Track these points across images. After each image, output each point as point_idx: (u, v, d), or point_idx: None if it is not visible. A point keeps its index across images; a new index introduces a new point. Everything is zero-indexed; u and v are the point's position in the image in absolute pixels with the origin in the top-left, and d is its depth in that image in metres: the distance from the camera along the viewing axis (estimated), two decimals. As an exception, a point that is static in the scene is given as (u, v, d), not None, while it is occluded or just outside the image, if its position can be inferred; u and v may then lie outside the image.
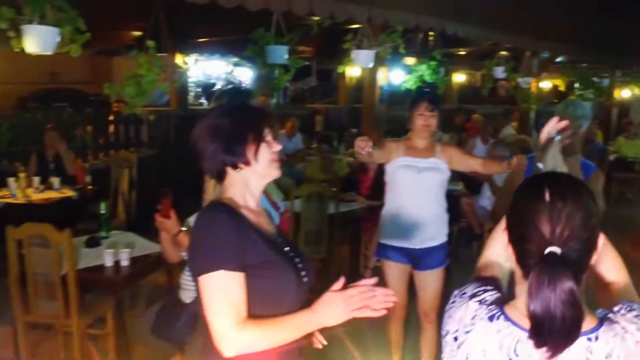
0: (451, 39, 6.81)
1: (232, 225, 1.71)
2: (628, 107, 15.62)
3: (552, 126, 1.95)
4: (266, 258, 1.78)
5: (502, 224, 1.54)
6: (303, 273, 1.90)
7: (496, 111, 15.03)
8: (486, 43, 7.52)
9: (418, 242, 3.77)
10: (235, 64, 16.12)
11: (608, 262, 1.53)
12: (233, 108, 1.92)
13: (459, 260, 6.79)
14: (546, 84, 10.70)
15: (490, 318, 1.34)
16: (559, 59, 10.44)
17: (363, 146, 3.21)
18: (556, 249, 1.22)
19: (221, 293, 1.66)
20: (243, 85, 19.98)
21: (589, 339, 1.23)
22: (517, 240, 1.31)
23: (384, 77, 6.69)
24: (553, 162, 1.77)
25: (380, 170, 4.12)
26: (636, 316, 1.29)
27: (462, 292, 1.47)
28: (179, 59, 8.59)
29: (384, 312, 1.72)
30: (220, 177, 1.88)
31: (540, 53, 9.16)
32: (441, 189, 3.78)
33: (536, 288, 1.19)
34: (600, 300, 1.39)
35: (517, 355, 1.27)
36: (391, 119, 8.54)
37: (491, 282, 1.49)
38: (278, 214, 2.78)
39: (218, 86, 20.57)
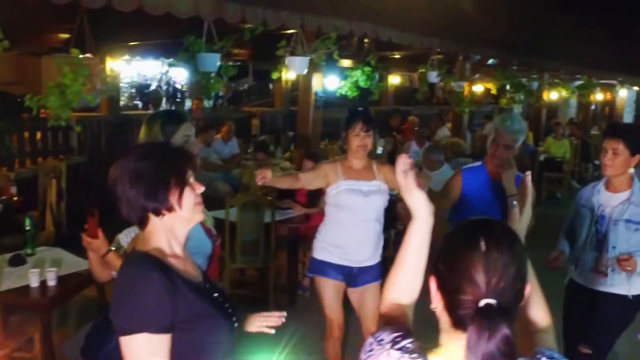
0: (386, 43, 6.85)
1: (159, 284, 1.61)
2: (556, 108, 16.19)
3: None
4: (198, 311, 1.71)
5: (396, 269, 1.56)
6: (234, 318, 1.86)
7: (432, 112, 15.28)
8: (420, 48, 7.60)
9: (356, 262, 3.77)
10: (171, 65, 15.82)
11: (533, 309, 1.54)
12: (154, 150, 1.85)
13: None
14: (479, 88, 10.92)
15: None
16: (490, 62, 10.67)
17: (262, 176, 3.44)
18: (492, 301, 1.20)
19: (142, 355, 1.59)
20: (178, 86, 19.64)
21: None
22: (450, 289, 1.27)
23: (319, 83, 6.66)
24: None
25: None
26: None
27: (379, 338, 1.42)
28: (109, 63, 8.36)
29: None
30: (142, 223, 1.78)
31: (472, 57, 9.34)
32: (380, 208, 3.79)
33: (476, 341, 1.17)
34: (521, 346, 1.39)
35: None
36: (327, 121, 8.55)
37: (404, 328, 1.45)
38: (211, 242, 2.69)
39: (153, 87, 20.16)
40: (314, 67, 6.17)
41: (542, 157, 11.91)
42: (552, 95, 13.84)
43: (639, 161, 3.33)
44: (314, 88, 6.61)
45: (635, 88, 18.61)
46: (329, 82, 7.31)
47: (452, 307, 1.27)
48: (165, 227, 1.76)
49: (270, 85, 20.46)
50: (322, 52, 5.83)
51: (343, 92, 6.69)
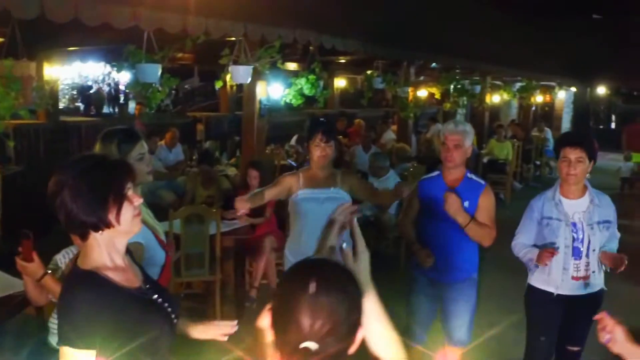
0: (331, 49, 6.86)
1: (96, 306, 1.72)
2: (498, 111, 16.56)
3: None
4: (139, 318, 1.81)
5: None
6: (173, 316, 1.97)
7: (377, 115, 15.42)
8: (364, 54, 7.65)
9: None
10: (113, 66, 15.43)
11: (381, 347, 1.51)
12: (93, 165, 1.83)
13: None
14: (423, 93, 11.07)
15: None
16: (433, 65, 10.83)
17: (240, 208, 3.59)
18: (312, 345, 1.20)
19: None
20: (122, 88, 19.20)
21: None
22: (278, 328, 1.28)
23: (263, 92, 6.61)
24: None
25: (261, 187, 4.12)
26: None
27: None
28: (47, 68, 8.10)
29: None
30: (82, 237, 1.83)
31: (417, 61, 9.45)
32: None
33: None
34: None
35: None
36: (273, 126, 8.51)
37: None
38: (164, 253, 2.66)
39: (95, 89, 19.67)
40: (258, 75, 6.11)
41: (485, 159, 12.14)
42: (495, 98, 14.13)
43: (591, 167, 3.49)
44: (259, 96, 6.55)
45: (573, 89, 19.22)
46: (273, 91, 7.27)
47: (278, 344, 1.28)
48: (105, 241, 1.81)
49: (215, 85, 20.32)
50: (266, 61, 5.78)
51: (287, 100, 6.66)
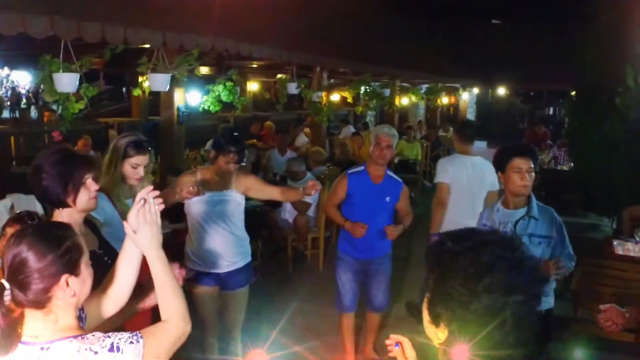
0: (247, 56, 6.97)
1: None
2: (407, 112, 17.13)
3: None
4: (94, 272, 1.93)
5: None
6: None
7: (291, 117, 15.57)
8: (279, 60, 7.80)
9: (222, 267, 3.97)
10: (12, 68, 14.71)
11: None
12: (62, 159, 2.36)
13: (265, 272, 7.01)
14: (336, 97, 11.34)
15: None
16: (344, 70, 11.11)
17: (193, 191, 3.62)
18: (5, 283, 1.68)
19: None
20: (22, 91, 18.38)
21: (42, 348, 1.63)
22: None
23: (181, 99, 6.64)
24: None
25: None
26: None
27: None
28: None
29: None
30: (52, 209, 2.41)
31: (328, 68, 9.68)
32: (235, 216, 3.97)
33: None
34: None
35: None
36: (189, 130, 8.47)
37: None
38: None
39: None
40: (176, 82, 6.14)
41: (396, 160, 12.55)
42: (403, 101, 14.62)
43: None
44: (177, 103, 6.57)
45: (475, 90, 20.14)
46: (191, 97, 7.29)
47: None
48: (67, 214, 2.37)
49: (124, 89, 19.76)
50: (184, 69, 5.83)
51: (206, 107, 6.71)
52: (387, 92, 11.71)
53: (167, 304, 1.85)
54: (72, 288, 1.69)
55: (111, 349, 1.62)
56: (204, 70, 10.18)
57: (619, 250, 5.39)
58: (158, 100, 7.54)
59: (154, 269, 1.87)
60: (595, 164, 8.02)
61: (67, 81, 4.83)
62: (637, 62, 6.68)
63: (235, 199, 3.93)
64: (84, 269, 1.76)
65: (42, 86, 5.06)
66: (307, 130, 12.46)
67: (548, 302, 3.42)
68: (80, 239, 1.80)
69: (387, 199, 4.41)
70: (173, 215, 6.00)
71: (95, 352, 1.61)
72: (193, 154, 9.70)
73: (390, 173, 4.51)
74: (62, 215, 2.37)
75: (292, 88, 8.24)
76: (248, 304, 4.20)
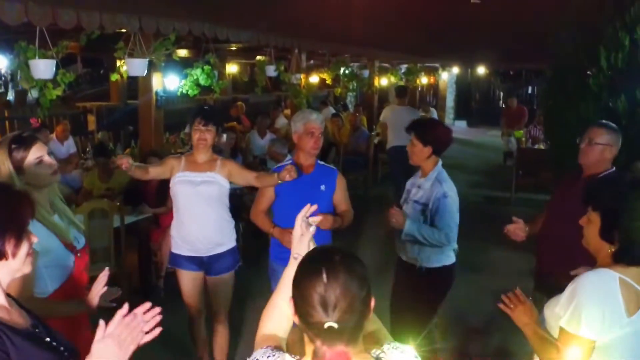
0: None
1: None
2: (386, 93, 17.14)
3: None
4: (37, 355, 1.73)
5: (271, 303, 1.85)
6: (66, 354, 1.85)
7: (270, 99, 15.56)
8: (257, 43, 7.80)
9: (205, 251, 3.99)
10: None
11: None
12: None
13: (247, 256, 7.06)
14: (314, 79, 11.35)
15: None
16: (323, 51, 11.12)
17: (122, 163, 3.64)
18: (333, 324, 1.43)
19: None
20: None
21: None
22: (302, 314, 1.50)
23: (159, 83, 6.63)
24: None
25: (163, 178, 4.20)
26: (401, 352, 1.61)
27: (254, 357, 1.66)
28: None
29: (158, 330, 1.79)
30: None
31: (306, 50, 9.69)
32: (220, 200, 3.99)
33: (316, 355, 1.46)
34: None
35: None
36: (168, 114, 8.46)
37: (277, 346, 1.73)
38: (72, 255, 2.66)
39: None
40: (153, 67, 6.15)
41: (376, 141, 12.62)
42: (383, 82, 14.65)
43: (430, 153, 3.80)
44: (155, 88, 6.57)
45: (455, 70, 20.20)
46: (169, 82, 7.28)
47: (305, 328, 1.51)
48: None
49: (102, 71, 19.53)
50: (161, 53, 5.83)
51: (184, 91, 6.72)
52: (366, 73, 11.76)
53: None
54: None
55: None
56: (182, 53, 10.13)
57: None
58: (137, 84, 7.54)
59: None
60: (569, 142, 8.11)
61: (43, 68, 4.84)
62: (610, 43, 6.75)
63: (220, 182, 3.94)
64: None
65: (18, 72, 5.04)
66: (287, 112, 12.47)
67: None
68: None
69: (322, 187, 3.97)
70: (158, 198, 6.04)
71: None
72: (173, 138, 9.70)
73: (321, 162, 4.11)
74: None
75: (271, 71, 8.25)
76: (234, 286, 4.20)
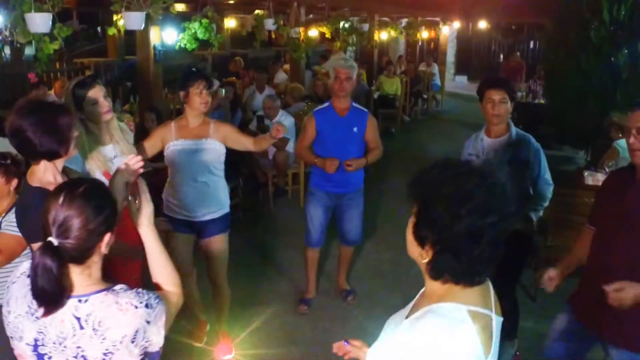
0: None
1: None
2: (387, 48, 17.01)
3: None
4: None
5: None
6: None
7: (269, 54, 15.42)
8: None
9: (199, 215, 3.97)
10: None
11: (155, 275, 2.07)
12: (54, 112, 2.35)
13: (247, 209, 7.14)
14: (314, 32, 11.22)
15: None
16: (322, 5, 10.98)
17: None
18: (54, 240, 1.67)
19: None
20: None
21: (80, 301, 1.70)
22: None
23: (157, 37, 6.57)
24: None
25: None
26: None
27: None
28: None
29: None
30: (35, 161, 2.40)
31: (305, 3, 9.57)
32: (214, 165, 3.94)
33: (33, 263, 1.67)
34: None
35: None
36: (166, 69, 8.41)
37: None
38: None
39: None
40: (151, 21, 6.08)
41: (376, 95, 12.58)
42: (383, 36, 14.49)
43: None
44: (153, 42, 6.51)
45: (456, 25, 19.94)
46: (167, 36, 7.20)
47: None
48: (53, 165, 2.40)
49: (99, 29, 19.32)
50: (159, 6, 5.75)
51: (182, 45, 6.65)
52: (365, 27, 11.62)
53: (166, 277, 2.01)
54: (109, 244, 1.78)
55: (147, 306, 1.74)
56: (180, 7, 9.99)
57: (589, 181, 5.53)
58: (134, 40, 7.47)
59: (151, 245, 2.00)
60: (569, 96, 8.10)
61: (39, 21, 4.77)
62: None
63: (215, 147, 3.88)
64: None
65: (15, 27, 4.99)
66: (286, 67, 12.38)
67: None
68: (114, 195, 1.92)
69: (355, 129, 4.54)
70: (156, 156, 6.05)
71: (136, 307, 1.71)
72: (171, 94, 9.65)
73: (355, 104, 4.64)
74: (45, 167, 2.38)
75: (269, 24, 8.16)
76: (230, 246, 4.20)
